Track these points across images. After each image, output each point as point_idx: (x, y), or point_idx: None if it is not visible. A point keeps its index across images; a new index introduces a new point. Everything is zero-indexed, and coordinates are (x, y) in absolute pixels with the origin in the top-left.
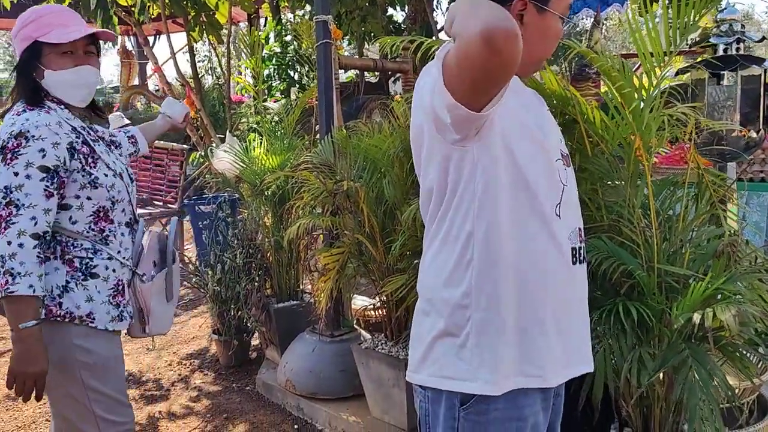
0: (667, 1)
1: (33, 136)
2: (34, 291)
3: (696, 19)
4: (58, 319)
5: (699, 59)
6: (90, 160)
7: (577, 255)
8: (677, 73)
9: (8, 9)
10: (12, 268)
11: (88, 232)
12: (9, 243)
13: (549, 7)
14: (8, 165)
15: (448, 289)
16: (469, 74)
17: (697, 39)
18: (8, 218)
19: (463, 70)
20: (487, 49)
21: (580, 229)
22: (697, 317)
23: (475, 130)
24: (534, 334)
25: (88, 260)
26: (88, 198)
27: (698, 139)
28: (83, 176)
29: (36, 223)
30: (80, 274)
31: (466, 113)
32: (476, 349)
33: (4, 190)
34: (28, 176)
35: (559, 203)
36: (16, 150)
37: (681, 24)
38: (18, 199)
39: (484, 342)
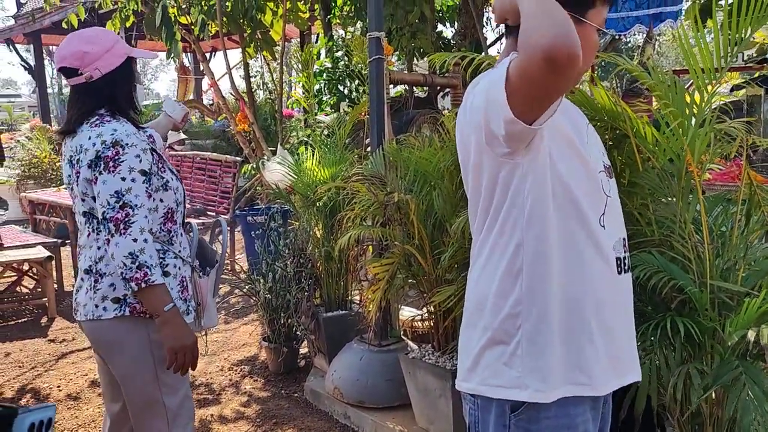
0: (718, 18)
1: (127, 144)
2: (163, 278)
3: (748, 35)
4: (141, 315)
5: (756, 75)
6: (160, 164)
7: (622, 264)
8: (732, 89)
9: (76, 27)
10: (145, 262)
11: (159, 233)
12: (135, 240)
13: (587, 18)
14: (113, 172)
15: (498, 298)
16: (528, 89)
17: (754, 55)
18: (126, 219)
19: (523, 85)
20: (549, 69)
21: (624, 239)
22: (752, 334)
23: (525, 144)
24: (582, 343)
25: (160, 259)
26: (161, 200)
27: (754, 156)
28: (158, 180)
29: (148, 221)
30: None
31: (521, 128)
32: (527, 357)
33: (116, 195)
34: (133, 180)
35: (603, 214)
36: (117, 158)
37: (733, 40)
38: (130, 201)
39: (534, 350)
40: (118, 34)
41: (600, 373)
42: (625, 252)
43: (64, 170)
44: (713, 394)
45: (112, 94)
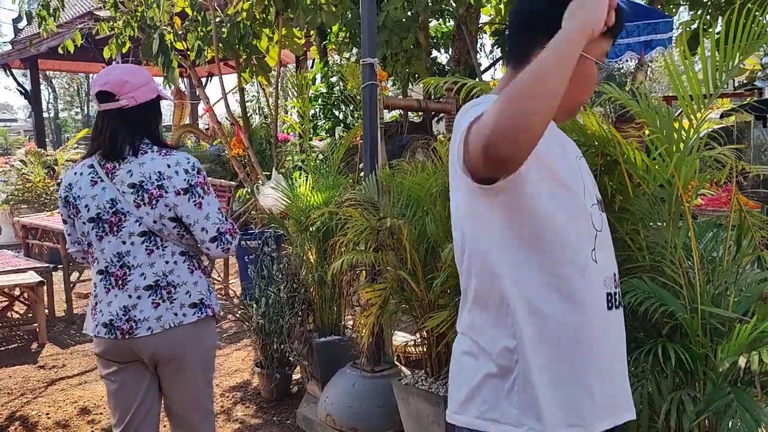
0: (708, 45)
1: (201, 169)
2: None
3: (736, 63)
4: (213, 315)
5: (746, 101)
6: None
7: (613, 300)
8: (722, 116)
9: (72, 52)
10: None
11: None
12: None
13: (584, 52)
14: (209, 193)
15: (496, 330)
16: (477, 161)
17: (744, 82)
18: (233, 227)
19: (473, 156)
20: (485, 160)
21: (615, 274)
22: (742, 361)
23: (496, 191)
24: (571, 382)
25: (204, 268)
26: None
27: (745, 182)
28: None
29: None
30: (208, 281)
31: (476, 187)
32: (524, 394)
33: (219, 212)
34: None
35: (594, 249)
36: (206, 182)
37: (721, 67)
38: (225, 215)
39: (530, 388)
40: (114, 59)
41: (592, 414)
42: (616, 287)
43: (111, 193)
44: (705, 421)
45: (142, 122)
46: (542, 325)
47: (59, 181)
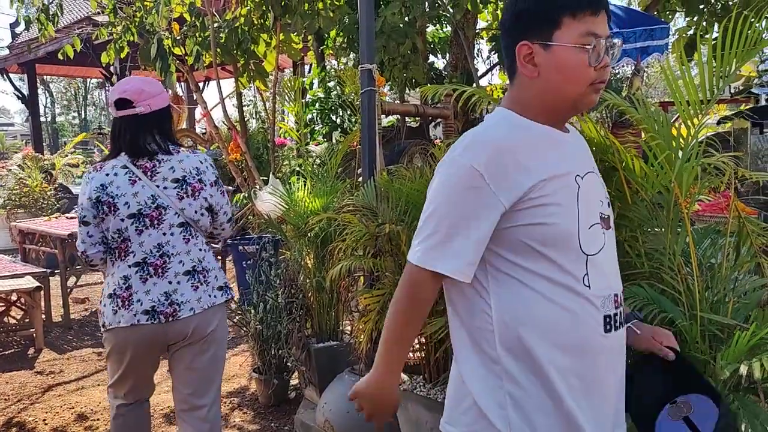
0: (703, 52)
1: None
2: None
3: (734, 69)
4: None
5: (743, 107)
6: None
7: (612, 323)
8: (719, 122)
9: (71, 57)
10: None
11: None
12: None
13: (554, 40)
14: (223, 186)
15: (483, 349)
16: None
17: (741, 88)
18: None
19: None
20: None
21: (616, 294)
22: (743, 369)
23: None
24: (565, 407)
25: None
26: None
27: (742, 188)
28: None
29: None
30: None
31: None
32: (514, 415)
33: (228, 201)
34: None
35: (586, 274)
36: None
37: (718, 73)
38: None
39: (520, 411)
40: (113, 64)
41: None
42: (617, 307)
43: (150, 190)
44: None
45: (158, 126)
46: (528, 347)
47: (56, 185)
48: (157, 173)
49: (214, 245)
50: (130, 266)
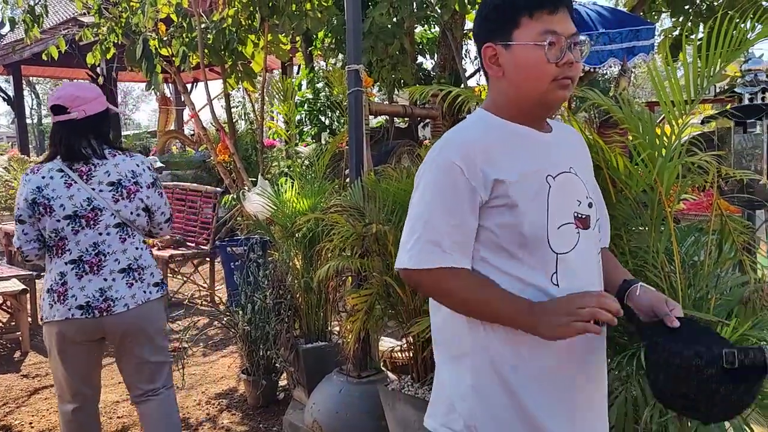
0: (689, 52)
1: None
2: None
3: (718, 69)
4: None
5: (728, 107)
6: None
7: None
8: (703, 122)
9: (56, 58)
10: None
11: None
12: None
13: (513, 39)
14: (162, 188)
15: (455, 344)
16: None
17: (726, 88)
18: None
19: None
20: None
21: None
22: None
23: None
24: (532, 408)
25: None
26: None
27: (726, 187)
28: None
29: None
30: None
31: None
32: (478, 410)
33: (166, 201)
34: None
35: (555, 273)
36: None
37: (702, 74)
38: None
39: (482, 406)
40: (99, 65)
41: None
42: None
43: (86, 193)
44: (689, 423)
45: (94, 131)
46: (497, 344)
47: None
48: (93, 176)
49: (202, 247)
50: (66, 263)
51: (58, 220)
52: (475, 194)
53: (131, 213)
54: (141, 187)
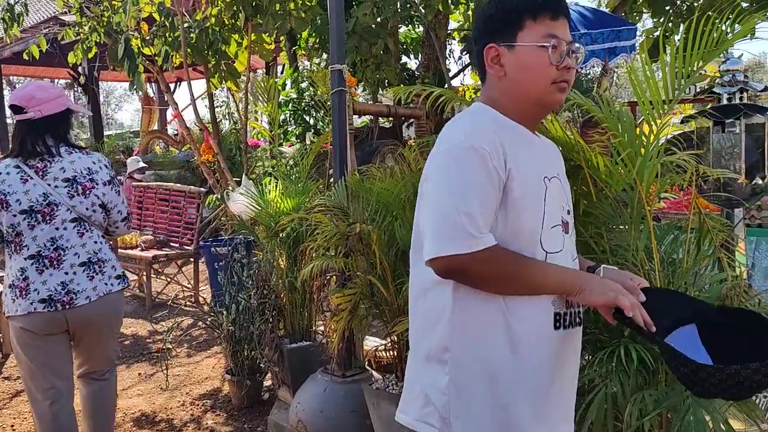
0: (666, 52)
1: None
2: None
3: (695, 69)
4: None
5: (708, 107)
6: None
7: (561, 321)
8: (682, 121)
9: (37, 57)
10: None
11: None
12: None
13: (517, 41)
14: (119, 186)
15: (437, 337)
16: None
17: (706, 87)
18: (130, 211)
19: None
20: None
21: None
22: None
23: None
24: (508, 400)
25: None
26: None
27: (705, 186)
28: None
29: None
30: None
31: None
32: (455, 403)
33: (124, 199)
34: None
35: None
36: (116, 175)
37: (680, 74)
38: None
39: (461, 400)
40: (80, 64)
41: (529, 428)
42: (567, 308)
43: (42, 189)
44: (666, 417)
45: (51, 130)
46: (478, 336)
47: None
48: (48, 173)
49: (186, 247)
50: (25, 259)
51: (15, 215)
52: (500, 181)
53: (87, 209)
54: (97, 184)
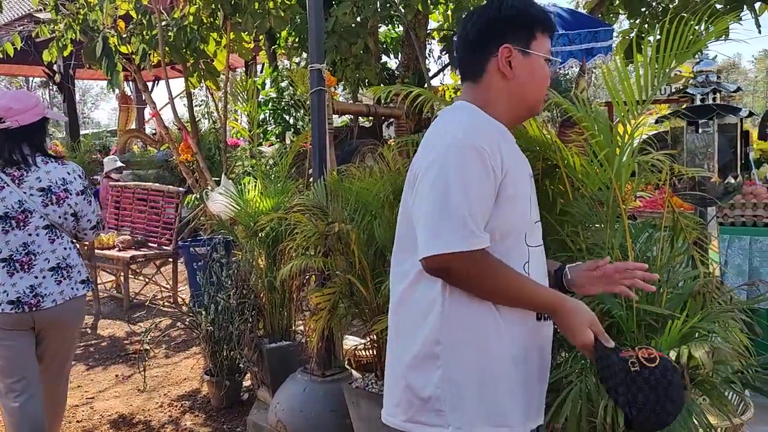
0: (641, 53)
1: (84, 174)
2: None
3: (669, 70)
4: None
5: (683, 107)
6: None
7: (542, 313)
8: (657, 121)
9: (12, 55)
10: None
11: None
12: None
13: (531, 49)
14: (91, 195)
15: (426, 330)
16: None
17: (680, 88)
18: (102, 219)
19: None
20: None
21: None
22: (673, 354)
23: None
24: (499, 387)
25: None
26: None
27: (680, 185)
28: None
29: None
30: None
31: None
32: (448, 397)
33: (96, 208)
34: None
35: (528, 262)
36: (88, 185)
37: (653, 74)
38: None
39: (453, 392)
40: (56, 63)
41: (516, 415)
42: None
43: (18, 196)
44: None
45: (28, 140)
46: (467, 330)
47: None
48: (25, 181)
49: (165, 247)
50: None
51: None
52: (497, 180)
53: (59, 217)
54: (70, 194)
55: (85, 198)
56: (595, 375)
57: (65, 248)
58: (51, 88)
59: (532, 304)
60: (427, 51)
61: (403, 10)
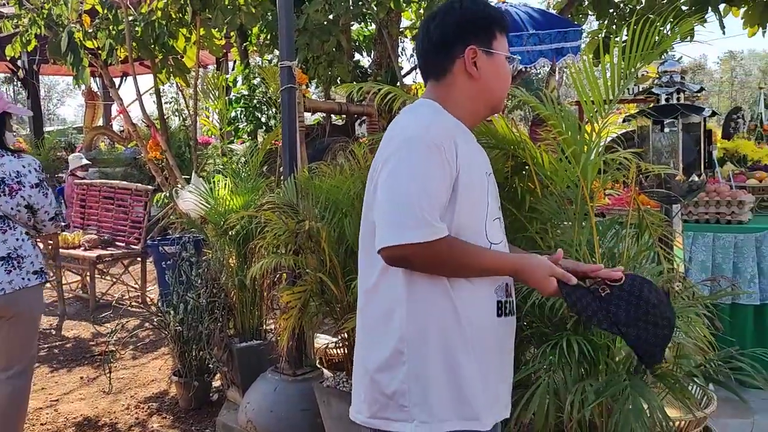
0: (608, 53)
1: (41, 168)
2: None
3: (633, 70)
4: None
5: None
6: None
7: (503, 308)
8: (625, 120)
9: None
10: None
11: None
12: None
13: (494, 49)
14: (48, 188)
15: (392, 327)
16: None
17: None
18: (62, 211)
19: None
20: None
21: (507, 284)
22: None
23: None
24: (461, 381)
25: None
26: None
27: (646, 182)
28: None
29: None
30: (42, 254)
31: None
32: (414, 392)
33: (52, 201)
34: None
35: None
36: (45, 178)
37: (619, 74)
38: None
39: (419, 386)
40: (20, 58)
41: (484, 409)
42: (507, 297)
43: None
44: (605, 407)
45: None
46: (429, 326)
47: None
48: None
49: (133, 247)
50: None
51: None
52: (452, 175)
53: (12, 208)
54: (23, 187)
55: (40, 191)
56: (564, 368)
57: (17, 239)
58: (15, 83)
59: (496, 273)
60: (400, 49)
61: (375, 8)
